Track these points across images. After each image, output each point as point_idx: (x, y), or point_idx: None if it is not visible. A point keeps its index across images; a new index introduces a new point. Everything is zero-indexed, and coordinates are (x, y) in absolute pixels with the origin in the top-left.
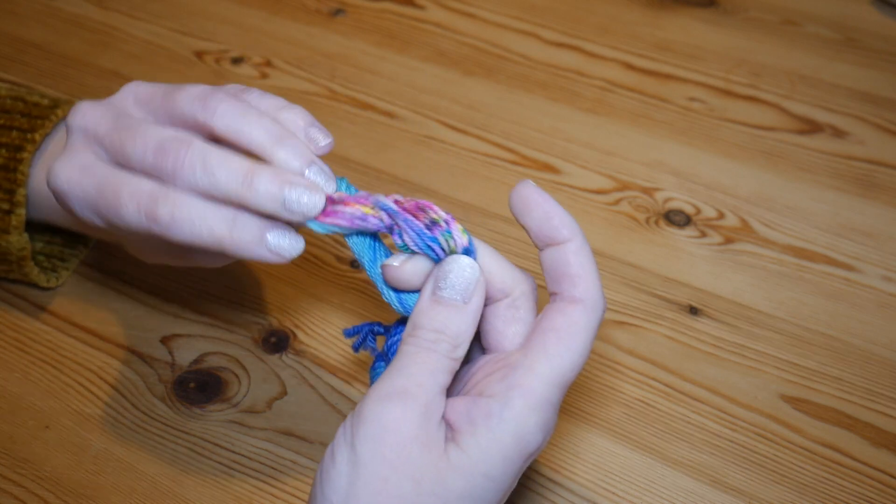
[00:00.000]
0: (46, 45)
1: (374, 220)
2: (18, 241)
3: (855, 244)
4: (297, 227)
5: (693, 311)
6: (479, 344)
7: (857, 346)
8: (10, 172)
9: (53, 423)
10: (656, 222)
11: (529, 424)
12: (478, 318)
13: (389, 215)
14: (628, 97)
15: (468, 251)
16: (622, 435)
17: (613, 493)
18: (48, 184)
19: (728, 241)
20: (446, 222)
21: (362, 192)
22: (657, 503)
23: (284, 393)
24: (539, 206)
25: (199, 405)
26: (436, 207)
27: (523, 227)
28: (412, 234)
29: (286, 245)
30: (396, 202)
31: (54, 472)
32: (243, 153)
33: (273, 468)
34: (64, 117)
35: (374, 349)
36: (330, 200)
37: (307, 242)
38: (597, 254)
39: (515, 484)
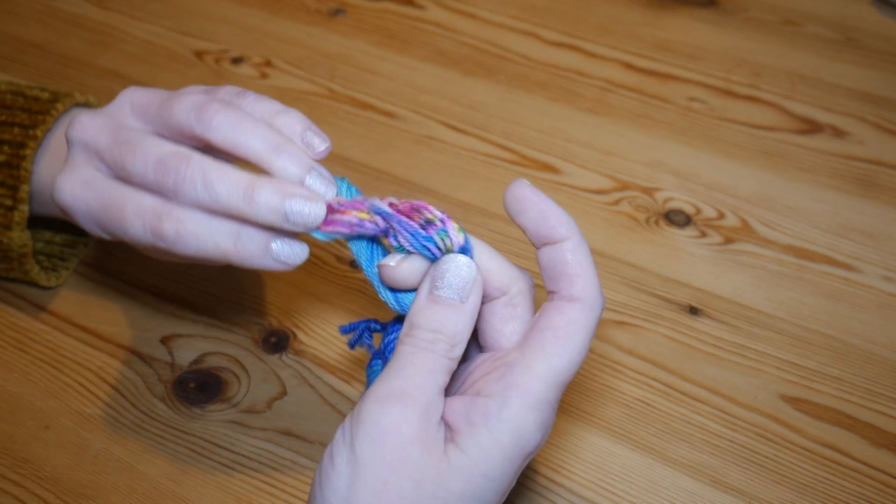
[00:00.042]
0: (46, 45)
1: (370, 225)
2: (20, 237)
3: (855, 244)
4: (299, 234)
5: (693, 311)
6: (475, 342)
7: (857, 346)
8: (13, 169)
9: (53, 423)
10: (656, 222)
11: (528, 424)
12: (475, 317)
13: (384, 218)
14: (628, 97)
15: (465, 249)
16: (622, 435)
17: (613, 493)
18: (54, 198)
19: (728, 241)
20: (442, 221)
21: (359, 197)
22: (657, 503)
23: (284, 393)
24: (535, 205)
25: (199, 405)
26: (431, 207)
27: (519, 227)
28: (407, 234)
29: (291, 253)
30: (391, 205)
31: (54, 472)
32: (243, 163)
33: (273, 468)
34: (65, 111)
35: (370, 346)
36: (329, 209)
37: (307, 242)
38: (597, 254)
39: (514, 483)
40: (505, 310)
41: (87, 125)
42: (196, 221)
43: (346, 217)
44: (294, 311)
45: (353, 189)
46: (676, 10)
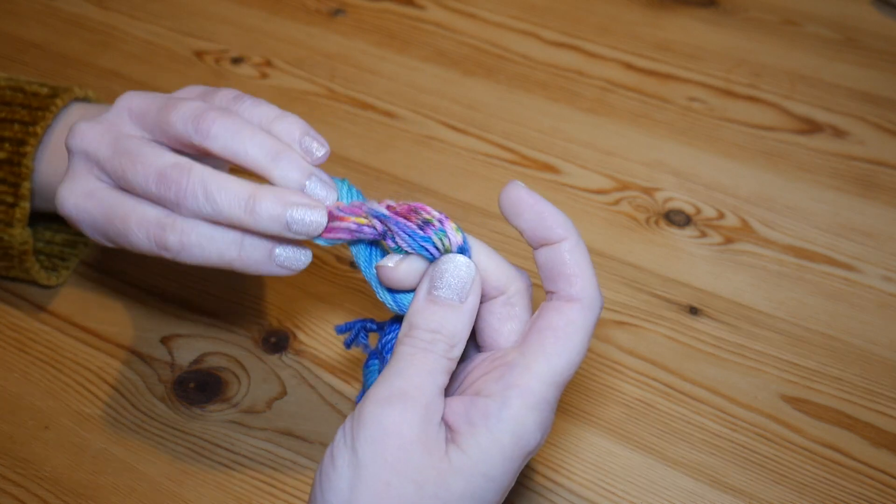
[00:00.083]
0: (46, 45)
1: (368, 229)
2: (21, 234)
3: (855, 244)
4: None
5: (693, 311)
6: (473, 342)
7: (857, 346)
8: (14, 166)
9: (53, 423)
10: (656, 222)
11: (528, 424)
12: (474, 317)
13: (382, 221)
14: (628, 97)
15: (463, 249)
16: (622, 435)
17: (613, 493)
18: (58, 209)
19: (728, 241)
20: (440, 221)
21: (357, 201)
22: (657, 503)
23: (284, 393)
24: (531, 206)
25: (199, 405)
26: (428, 208)
27: (516, 229)
28: (404, 236)
29: (294, 259)
30: (389, 207)
31: (54, 472)
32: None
33: (273, 468)
34: (64, 106)
35: (366, 346)
36: (330, 216)
37: (307, 242)
38: (597, 254)
39: (514, 482)
40: (503, 309)
41: (86, 134)
42: (199, 232)
43: (345, 223)
44: (294, 311)
45: (354, 190)
46: (676, 10)
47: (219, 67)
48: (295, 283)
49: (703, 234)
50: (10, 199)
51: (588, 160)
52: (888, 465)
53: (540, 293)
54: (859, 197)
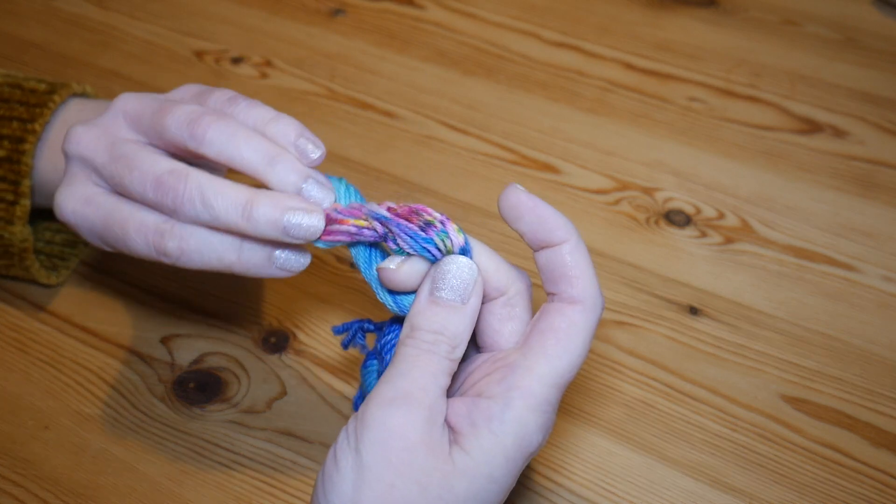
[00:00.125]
0: (46, 45)
1: (369, 231)
2: (22, 231)
3: (855, 244)
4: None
5: (693, 311)
6: (473, 342)
7: (857, 346)
8: (13, 164)
9: (53, 424)
10: (656, 222)
11: (530, 425)
12: (476, 318)
13: (382, 223)
14: (628, 97)
15: (465, 250)
16: (622, 435)
17: (613, 494)
18: (56, 214)
19: (728, 241)
20: (441, 223)
21: (356, 203)
22: (657, 503)
23: (284, 393)
24: (531, 210)
25: (199, 405)
26: (430, 209)
27: (516, 232)
28: (406, 237)
29: (294, 261)
30: (389, 209)
31: (54, 472)
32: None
33: (273, 468)
34: (62, 102)
35: (363, 346)
36: (329, 219)
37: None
38: (597, 254)
39: (515, 483)
40: (503, 310)
41: (81, 139)
42: (198, 238)
43: (344, 226)
44: (294, 311)
45: (352, 189)
46: (676, 10)
47: (219, 67)
48: (295, 283)
49: (703, 234)
50: (10, 197)
51: (588, 160)
52: (888, 465)
53: (540, 293)
54: (859, 197)
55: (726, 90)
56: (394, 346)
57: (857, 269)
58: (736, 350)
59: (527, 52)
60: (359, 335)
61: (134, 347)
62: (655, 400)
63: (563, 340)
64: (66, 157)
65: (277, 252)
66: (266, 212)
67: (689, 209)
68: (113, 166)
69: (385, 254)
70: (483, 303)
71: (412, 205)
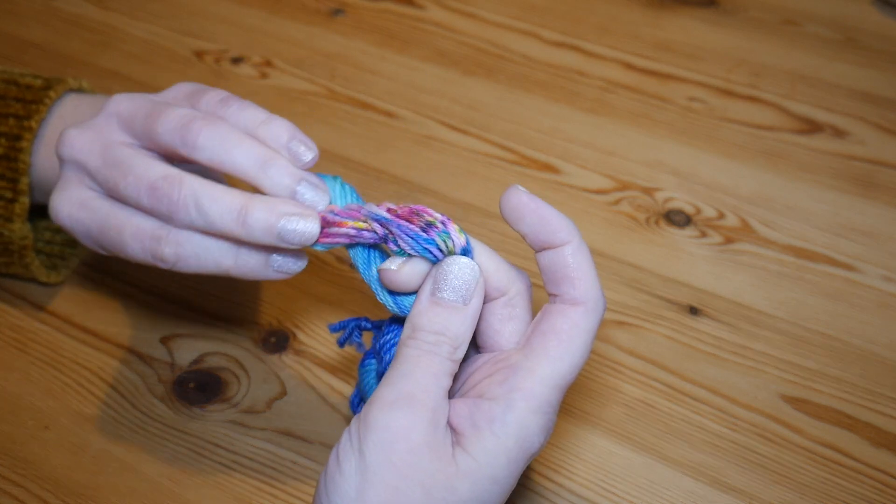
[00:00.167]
0: (46, 45)
1: (368, 233)
2: (21, 229)
3: (855, 244)
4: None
5: (693, 311)
6: (473, 342)
7: (857, 346)
8: (11, 162)
9: (53, 424)
10: (656, 222)
11: (532, 427)
12: (477, 319)
13: (382, 224)
14: (628, 97)
15: (466, 251)
16: (622, 435)
17: (613, 494)
18: (52, 218)
19: (728, 241)
20: (443, 223)
21: (354, 204)
22: (657, 503)
23: (284, 393)
24: (533, 211)
25: (198, 405)
26: (430, 210)
27: (518, 233)
28: (407, 238)
29: (290, 264)
30: (389, 210)
31: (54, 472)
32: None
33: (273, 468)
34: (58, 98)
35: (359, 345)
36: (325, 222)
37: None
38: (597, 254)
39: (516, 484)
40: (504, 310)
41: (75, 142)
42: (194, 243)
43: (343, 229)
44: (294, 311)
45: (347, 187)
46: (676, 10)
47: (219, 67)
48: (295, 283)
49: (703, 234)
50: (8, 195)
51: (588, 160)
52: (888, 465)
53: (540, 294)
54: (859, 197)
55: (726, 90)
56: (393, 345)
57: (857, 269)
58: (736, 350)
59: (527, 52)
60: (355, 333)
61: (134, 347)
62: (655, 400)
63: (565, 342)
64: (60, 160)
65: (274, 255)
66: (260, 218)
67: (689, 209)
68: (107, 171)
69: (384, 254)
70: (483, 303)
71: (412, 205)
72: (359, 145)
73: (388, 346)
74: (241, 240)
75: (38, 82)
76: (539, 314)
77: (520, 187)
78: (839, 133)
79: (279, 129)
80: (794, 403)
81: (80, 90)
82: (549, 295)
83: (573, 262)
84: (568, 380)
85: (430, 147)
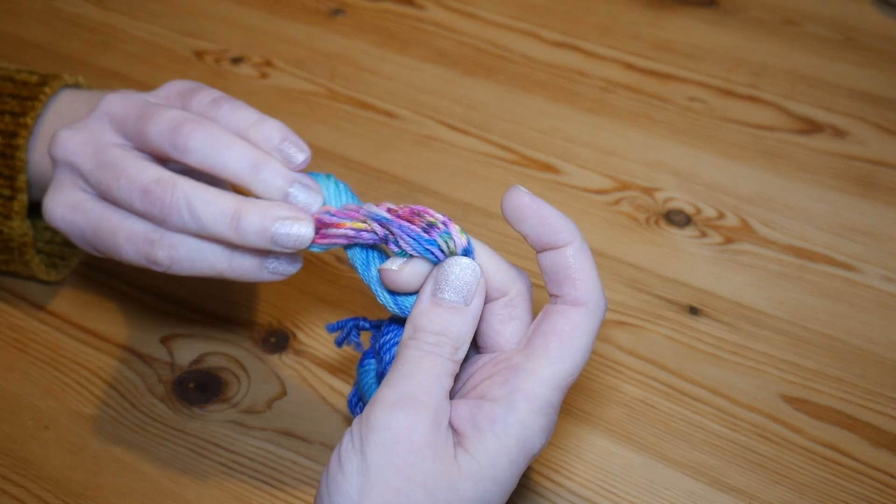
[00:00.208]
0: (46, 45)
1: (368, 234)
2: (21, 226)
3: (855, 244)
4: None
5: (693, 311)
6: (473, 343)
7: (857, 346)
8: (8, 159)
9: (53, 424)
10: (656, 222)
11: (533, 427)
12: (478, 319)
13: (382, 225)
14: (628, 97)
15: (467, 251)
16: (622, 435)
17: (613, 494)
18: (46, 221)
19: (728, 241)
20: (444, 224)
21: (352, 205)
22: (657, 503)
23: (284, 393)
24: (534, 212)
25: (199, 405)
26: (431, 210)
27: (519, 234)
28: (409, 239)
29: (285, 266)
30: (389, 210)
31: (54, 472)
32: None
33: (273, 468)
34: (53, 94)
35: (357, 344)
36: (321, 223)
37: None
38: (597, 254)
39: (516, 484)
40: (504, 311)
41: (67, 144)
42: (188, 246)
43: (341, 230)
44: (294, 311)
45: (342, 186)
46: (676, 10)
47: (219, 67)
48: (295, 283)
49: (703, 234)
50: (7, 193)
51: (588, 160)
52: (888, 465)
53: (540, 294)
54: (859, 197)
55: (726, 90)
56: (393, 346)
57: (857, 269)
58: (736, 350)
59: (527, 52)
60: (353, 333)
61: (134, 347)
62: (655, 400)
63: (567, 343)
64: (53, 161)
65: (269, 257)
66: (254, 222)
67: (689, 209)
68: (99, 173)
69: (383, 254)
70: (484, 304)
71: (413, 206)
72: (359, 145)
73: (387, 346)
74: (234, 244)
75: (34, 78)
76: (540, 315)
77: (521, 188)
78: (839, 133)
79: (271, 131)
80: (794, 403)
81: (76, 86)
82: (551, 295)
83: (574, 263)
84: (569, 381)
85: (430, 147)
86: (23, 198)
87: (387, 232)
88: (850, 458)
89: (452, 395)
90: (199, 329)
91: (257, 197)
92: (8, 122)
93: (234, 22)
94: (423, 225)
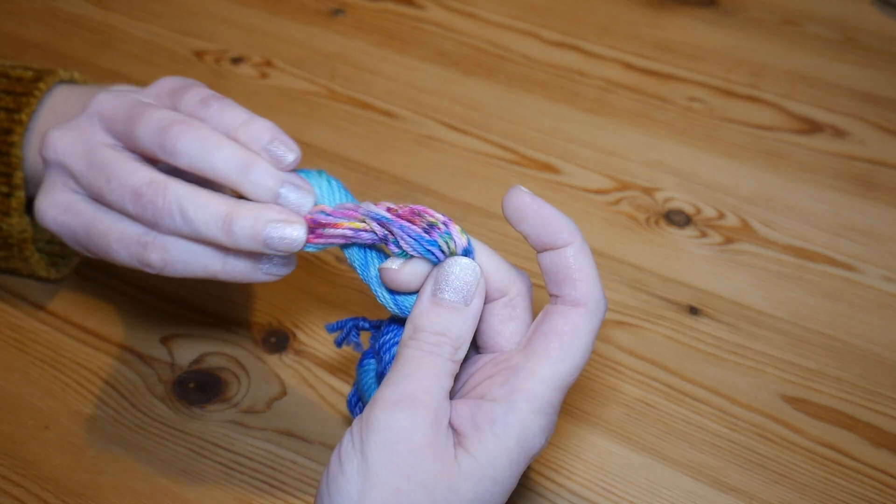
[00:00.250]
0: (46, 45)
1: (366, 234)
2: (19, 223)
3: (855, 244)
4: None
5: (693, 311)
6: (472, 343)
7: (857, 346)
8: (3, 156)
9: (53, 424)
10: (656, 222)
11: (533, 428)
12: (478, 319)
13: (382, 224)
14: (628, 97)
15: (467, 251)
16: (622, 435)
17: (613, 494)
18: (38, 222)
19: (728, 241)
20: (445, 224)
21: (350, 204)
22: (657, 503)
23: (284, 393)
24: (535, 212)
25: (198, 405)
26: (431, 210)
27: (520, 233)
28: (410, 240)
29: (279, 267)
30: (389, 210)
31: (54, 472)
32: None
33: (273, 468)
34: (48, 90)
35: (357, 344)
36: (317, 223)
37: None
38: (597, 254)
39: (516, 484)
40: (504, 311)
41: (57, 144)
42: (181, 249)
43: (339, 230)
44: (294, 311)
45: (334, 182)
46: (676, 10)
47: (219, 67)
48: (295, 283)
49: (703, 234)
50: (4, 190)
51: (588, 160)
52: (888, 465)
53: (540, 294)
54: (859, 197)
55: (726, 90)
56: (393, 346)
57: (857, 269)
58: (736, 350)
59: (527, 52)
60: (353, 333)
61: (134, 347)
62: (655, 400)
63: (567, 343)
64: (44, 161)
65: (263, 259)
66: (245, 226)
67: (689, 209)
68: (91, 175)
69: (381, 253)
70: (484, 304)
71: (412, 206)
72: (359, 145)
73: (387, 346)
74: (226, 247)
75: (29, 74)
76: (540, 315)
77: (522, 188)
78: (839, 133)
79: (260, 131)
80: (794, 403)
81: (71, 81)
82: (551, 296)
83: (575, 264)
84: (569, 381)
85: (430, 147)
86: (20, 194)
87: (387, 232)
88: (850, 458)
89: (452, 395)
90: (199, 329)
91: (248, 199)
92: (2, 118)
93: (234, 22)
94: (424, 225)
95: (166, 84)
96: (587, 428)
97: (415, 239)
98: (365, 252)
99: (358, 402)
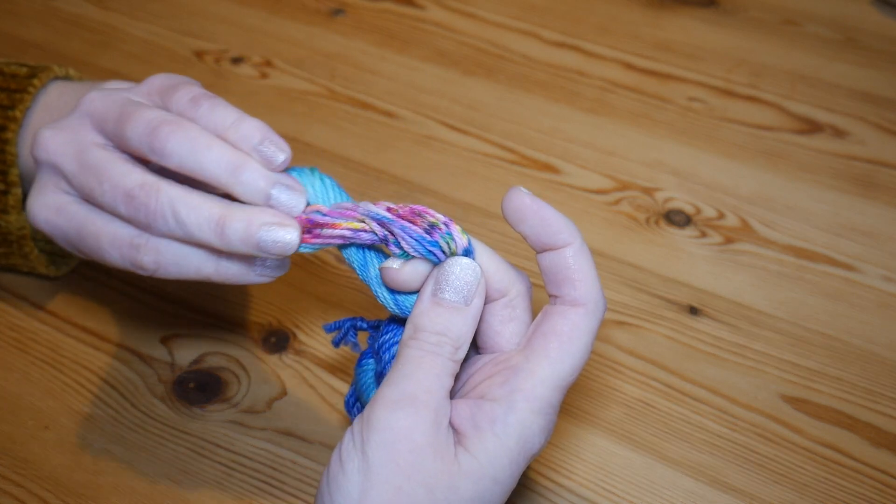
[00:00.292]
0: (46, 45)
1: (366, 234)
2: (17, 219)
3: (855, 244)
4: None
5: (693, 311)
6: (472, 343)
7: (857, 346)
8: None
9: (53, 423)
10: (656, 222)
11: (533, 427)
12: (478, 319)
13: (382, 225)
14: (628, 97)
15: (467, 251)
16: (622, 435)
17: (613, 493)
18: (30, 223)
19: (728, 241)
20: (446, 224)
21: (347, 203)
22: (657, 503)
23: (284, 393)
24: (535, 212)
25: (198, 405)
26: (432, 210)
27: (520, 234)
28: (412, 240)
29: (273, 268)
30: (389, 210)
31: (54, 472)
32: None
33: (273, 468)
34: (42, 87)
35: (355, 344)
36: (313, 223)
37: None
38: (597, 254)
39: (516, 484)
40: (504, 311)
41: (48, 145)
42: (174, 251)
43: (337, 230)
44: (294, 311)
45: (328, 180)
46: (676, 10)
47: (219, 67)
48: (295, 283)
49: (703, 234)
50: (0, 187)
51: (588, 160)
52: (888, 465)
53: (540, 294)
54: (859, 197)
55: (726, 90)
56: (392, 345)
57: (857, 269)
58: (736, 350)
59: (527, 52)
60: (351, 333)
61: (134, 347)
62: (655, 400)
63: (566, 343)
64: (36, 161)
65: (256, 262)
66: (238, 228)
67: (689, 209)
68: (82, 176)
69: (380, 253)
70: (484, 304)
71: (412, 206)
72: (359, 145)
73: (387, 345)
74: (219, 250)
75: (23, 71)
76: (539, 315)
77: (522, 188)
78: (839, 133)
79: (250, 130)
80: (794, 403)
81: (66, 78)
82: (550, 296)
83: (574, 264)
84: (568, 381)
85: (430, 147)
86: (17, 192)
87: (387, 232)
88: (850, 458)
89: (452, 394)
90: (199, 329)
91: (239, 200)
92: None
93: (234, 22)
94: (425, 226)
95: (157, 82)
96: (587, 428)
97: (416, 240)
98: (364, 252)
99: (356, 402)
